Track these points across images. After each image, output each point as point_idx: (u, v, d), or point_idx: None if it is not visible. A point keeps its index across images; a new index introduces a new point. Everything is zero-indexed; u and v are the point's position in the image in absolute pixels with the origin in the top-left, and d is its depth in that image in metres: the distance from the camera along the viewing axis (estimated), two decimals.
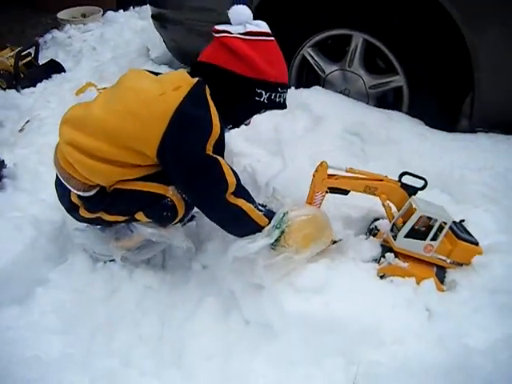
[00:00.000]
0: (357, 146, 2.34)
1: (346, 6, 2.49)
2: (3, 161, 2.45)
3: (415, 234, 1.69)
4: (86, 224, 1.92)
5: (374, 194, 1.77)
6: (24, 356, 1.54)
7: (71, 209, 1.82)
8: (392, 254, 1.73)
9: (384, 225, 1.85)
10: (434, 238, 1.69)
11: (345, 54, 2.63)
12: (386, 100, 2.66)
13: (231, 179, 1.60)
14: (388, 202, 1.79)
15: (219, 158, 1.61)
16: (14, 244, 1.88)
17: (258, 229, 1.65)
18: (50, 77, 3.97)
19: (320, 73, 2.73)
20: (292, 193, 1.87)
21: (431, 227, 1.68)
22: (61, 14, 5.20)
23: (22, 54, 4.00)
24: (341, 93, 2.66)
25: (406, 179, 1.79)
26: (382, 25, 2.42)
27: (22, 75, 3.91)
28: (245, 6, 1.74)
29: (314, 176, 1.77)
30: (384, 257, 1.74)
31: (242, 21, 1.71)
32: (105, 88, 3.23)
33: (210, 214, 1.68)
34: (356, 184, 1.77)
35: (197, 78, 1.67)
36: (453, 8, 2.16)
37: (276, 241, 1.63)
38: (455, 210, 1.90)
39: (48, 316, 1.69)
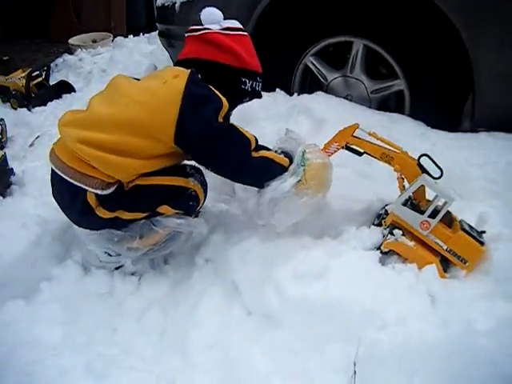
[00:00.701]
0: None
1: (345, 13, 2.55)
2: (12, 169, 2.51)
3: (416, 207, 1.74)
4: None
5: (389, 163, 1.80)
6: (24, 340, 1.55)
7: (85, 212, 1.74)
8: (400, 231, 1.74)
9: None
10: (433, 217, 1.69)
11: (346, 61, 2.67)
12: (388, 104, 2.69)
13: (250, 136, 1.73)
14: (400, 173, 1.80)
15: (232, 123, 1.74)
16: (20, 242, 1.91)
17: (284, 170, 1.77)
18: (61, 97, 4.08)
19: (323, 80, 2.77)
20: None
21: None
22: (72, 40, 5.36)
23: (33, 74, 4.11)
24: (344, 98, 2.70)
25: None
26: (382, 30, 2.48)
27: (33, 95, 4.01)
28: (215, 8, 1.86)
29: (340, 129, 1.89)
30: (392, 233, 1.74)
31: (214, 20, 1.83)
32: None
33: (242, 176, 1.79)
34: (374, 149, 1.83)
35: (190, 69, 1.73)
36: (453, 14, 2.22)
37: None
38: (459, 206, 1.90)
39: (51, 307, 1.69)
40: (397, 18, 2.44)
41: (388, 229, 1.78)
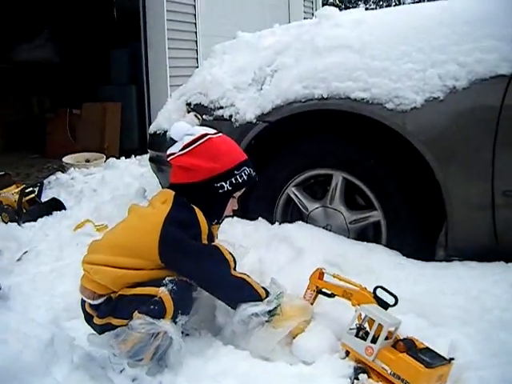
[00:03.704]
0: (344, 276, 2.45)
1: (325, 148, 2.75)
2: None
3: (364, 334, 1.82)
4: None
5: (349, 299, 1.96)
6: None
7: (88, 319, 2.05)
8: (365, 375, 1.77)
9: None
10: (374, 341, 1.76)
11: (326, 192, 2.82)
12: (365, 234, 2.81)
13: (230, 257, 1.95)
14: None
15: (215, 243, 2.00)
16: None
17: (259, 298, 1.92)
18: (51, 213, 4.16)
19: (303, 210, 2.89)
20: None
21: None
22: (66, 159, 5.60)
23: (26, 191, 4.26)
24: (323, 228, 2.80)
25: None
26: (359, 164, 2.65)
27: (24, 210, 4.12)
28: (182, 123, 2.17)
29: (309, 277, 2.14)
30: (357, 378, 1.77)
31: (181, 134, 2.08)
32: (102, 224, 3.46)
33: (219, 290, 1.98)
34: (337, 288, 2.04)
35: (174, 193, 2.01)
36: (423, 148, 2.41)
37: (273, 310, 1.90)
38: (432, 334, 1.98)
39: None
40: (373, 153, 2.64)
41: (353, 373, 1.81)
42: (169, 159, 2.08)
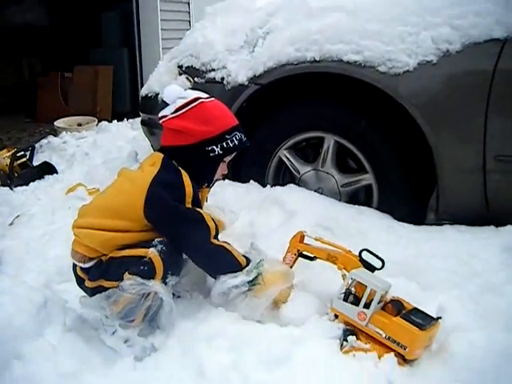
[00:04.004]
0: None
1: (317, 111, 2.74)
2: None
3: (354, 299, 1.81)
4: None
5: (334, 263, 1.96)
6: None
7: (80, 282, 2.06)
8: (354, 337, 1.78)
9: None
10: (367, 306, 1.76)
11: (318, 155, 2.82)
12: (357, 197, 2.82)
13: (212, 224, 1.93)
14: (344, 271, 1.92)
15: (198, 209, 1.98)
16: None
17: (239, 267, 1.91)
18: (43, 177, 4.15)
19: (295, 173, 2.90)
20: None
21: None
22: (58, 122, 5.56)
23: (18, 155, 4.25)
24: (315, 191, 2.81)
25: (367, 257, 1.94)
26: (351, 127, 2.65)
27: (16, 175, 4.11)
28: (175, 86, 2.16)
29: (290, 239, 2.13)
30: (346, 340, 1.78)
31: (174, 97, 2.05)
32: (94, 188, 3.45)
33: (197, 256, 1.97)
34: (320, 252, 2.03)
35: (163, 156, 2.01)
36: (415, 111, 2.41)
37: (253, 280, 1.88)
38: (422, 296, 2.00)
39: None
40: (365, 116, 2.63)
41: (342, 335, 1.81)
42: (161, 121, 2.06)
